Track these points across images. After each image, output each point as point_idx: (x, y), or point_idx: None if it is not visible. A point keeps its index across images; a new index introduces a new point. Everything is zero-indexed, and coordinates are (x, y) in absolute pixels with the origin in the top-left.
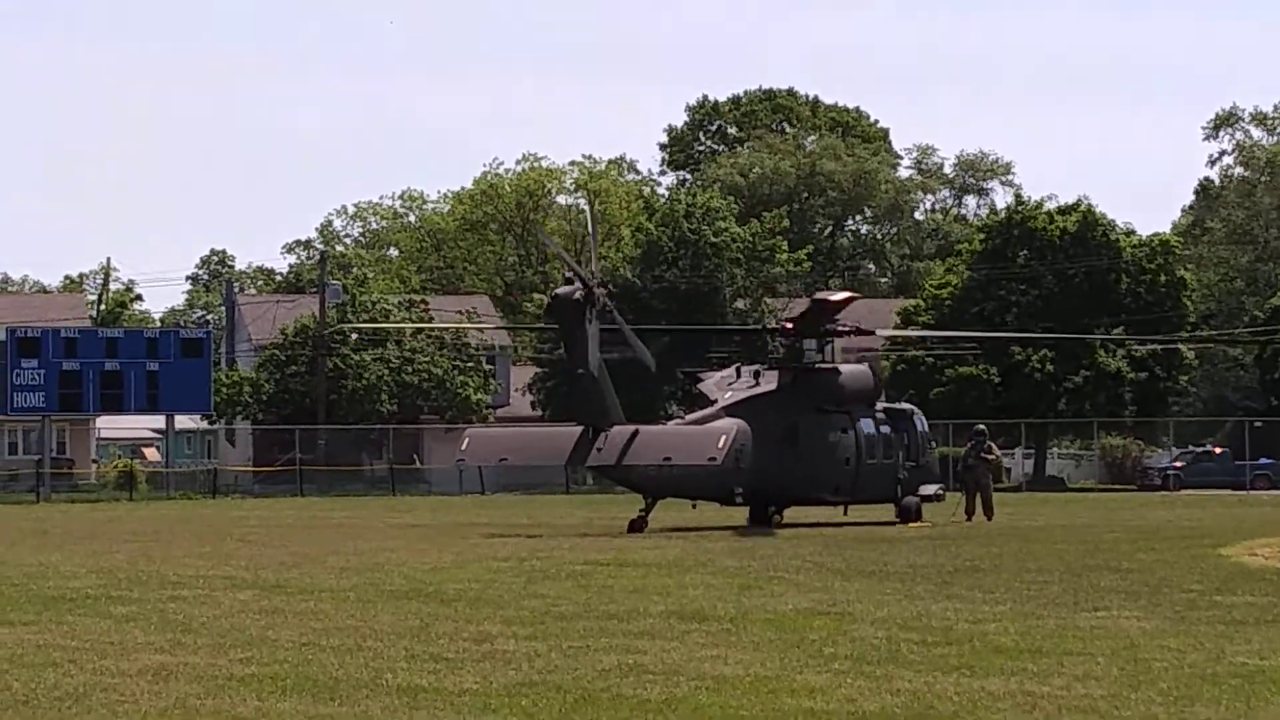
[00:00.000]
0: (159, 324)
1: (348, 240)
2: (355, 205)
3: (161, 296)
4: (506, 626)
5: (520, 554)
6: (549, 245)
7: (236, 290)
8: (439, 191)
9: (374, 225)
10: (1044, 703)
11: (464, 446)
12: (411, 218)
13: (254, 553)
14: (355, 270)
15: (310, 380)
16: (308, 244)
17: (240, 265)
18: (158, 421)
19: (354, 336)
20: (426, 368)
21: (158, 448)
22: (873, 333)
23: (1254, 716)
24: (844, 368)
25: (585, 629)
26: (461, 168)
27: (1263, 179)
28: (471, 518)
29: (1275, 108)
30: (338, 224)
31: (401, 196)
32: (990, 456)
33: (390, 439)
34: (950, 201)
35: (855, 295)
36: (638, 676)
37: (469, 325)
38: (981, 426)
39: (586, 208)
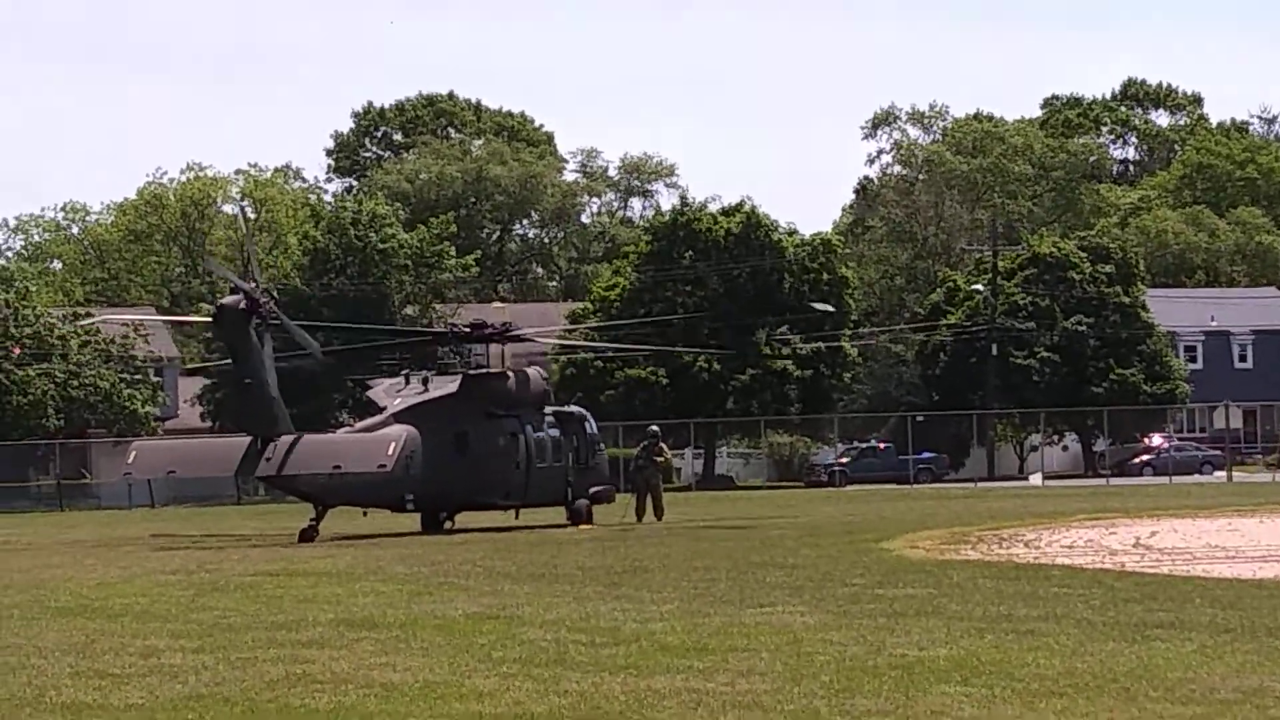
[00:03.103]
0: None
1: (9, 254)
2: (16, 218)
3: None
4: (174, 640)
5: (189, 566)
6: (214, 270)
7: None
8: (102, 203)
9: (36, 238)
10: (709, 699)
11: (130, 459)
12: (74, 230)
13: None
14: (18, 284)
15: None
16: None
17: None
18: None
19: (17, 351)
20: (93, 381)
21: None
22: (531, 339)
23: (912, 706)
24: (512, 372)
25: (253, 640)
26: (125, 179)
27: (920, 177)
28: (141, 531)
29: (931, 106)
30: None
31: (64, 208)
32: (661, 458)
33: (57, 454)
34: (616, 204)
35: None
36: (305, 686)
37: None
38: (654, 428)
39: (246, 218)
